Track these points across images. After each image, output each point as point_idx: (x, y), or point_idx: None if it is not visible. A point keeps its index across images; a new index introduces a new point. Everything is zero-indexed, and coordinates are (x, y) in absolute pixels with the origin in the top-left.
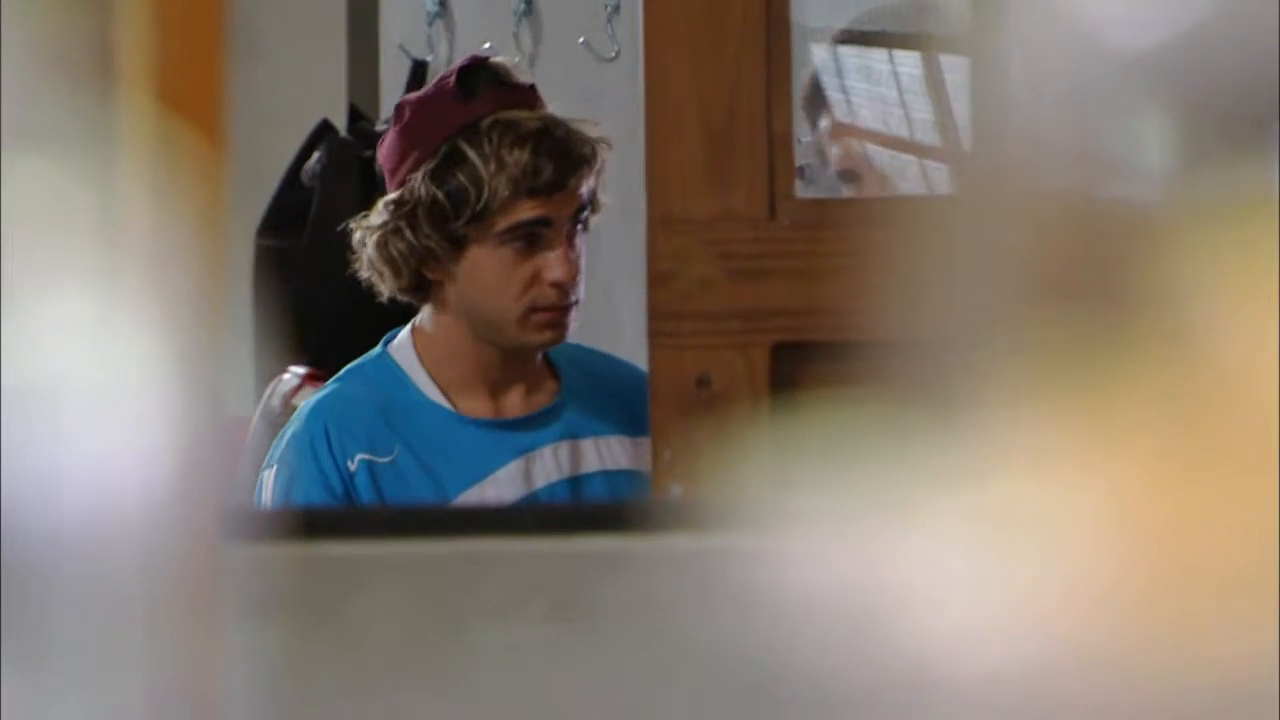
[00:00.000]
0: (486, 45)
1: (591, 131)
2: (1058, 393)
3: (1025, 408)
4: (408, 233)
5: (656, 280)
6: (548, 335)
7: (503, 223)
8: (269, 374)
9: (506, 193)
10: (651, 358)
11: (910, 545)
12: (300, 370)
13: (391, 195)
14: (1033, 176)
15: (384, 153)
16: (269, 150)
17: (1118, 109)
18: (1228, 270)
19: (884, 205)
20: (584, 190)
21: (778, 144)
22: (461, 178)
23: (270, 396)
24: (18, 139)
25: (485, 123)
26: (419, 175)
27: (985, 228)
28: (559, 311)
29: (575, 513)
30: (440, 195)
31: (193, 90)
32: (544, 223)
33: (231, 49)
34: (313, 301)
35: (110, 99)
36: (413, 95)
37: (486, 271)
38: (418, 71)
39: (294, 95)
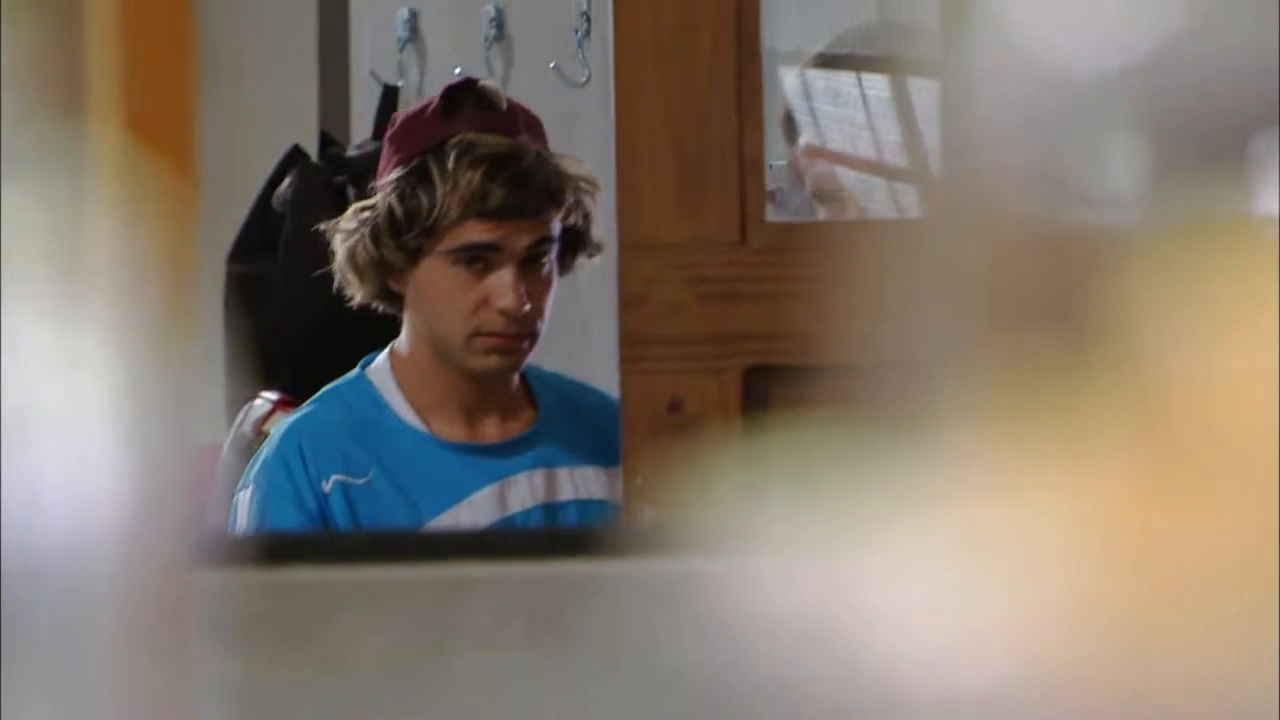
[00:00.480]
0: (457, 70)
1: (570, 168)
2: (1026, 414)
3: (993, 429)
4: (369, 242)
5: (627, 305)
6: (492, 361)
7: (449, 242)
8: (240, 400)
9: (456, 212)
10: (623, 382)
11: (880, 566)
12: (272, 396)
13: (362, 203)
14: (1001, 199)
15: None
16: (240, 176)
17: (1085, 132)
18: (1195, 290)
19: (854, 229)
20: (553, 224)
21: (748, 168)
22: (419, 193)
23: (241, 423)
24: None
25: (452, 141)
26: (385, 184)
27: (954, 250)
28: (505, 339)
29: (549, 537)
30: (398, 207)
31: (162, 117)
32: (493, 248)
33: (200, 75)
34: (284, 327)
35: (79, 125)
36: (407, 110)
37: (437, 288)
38: (389, 97)
39: (265, 121)
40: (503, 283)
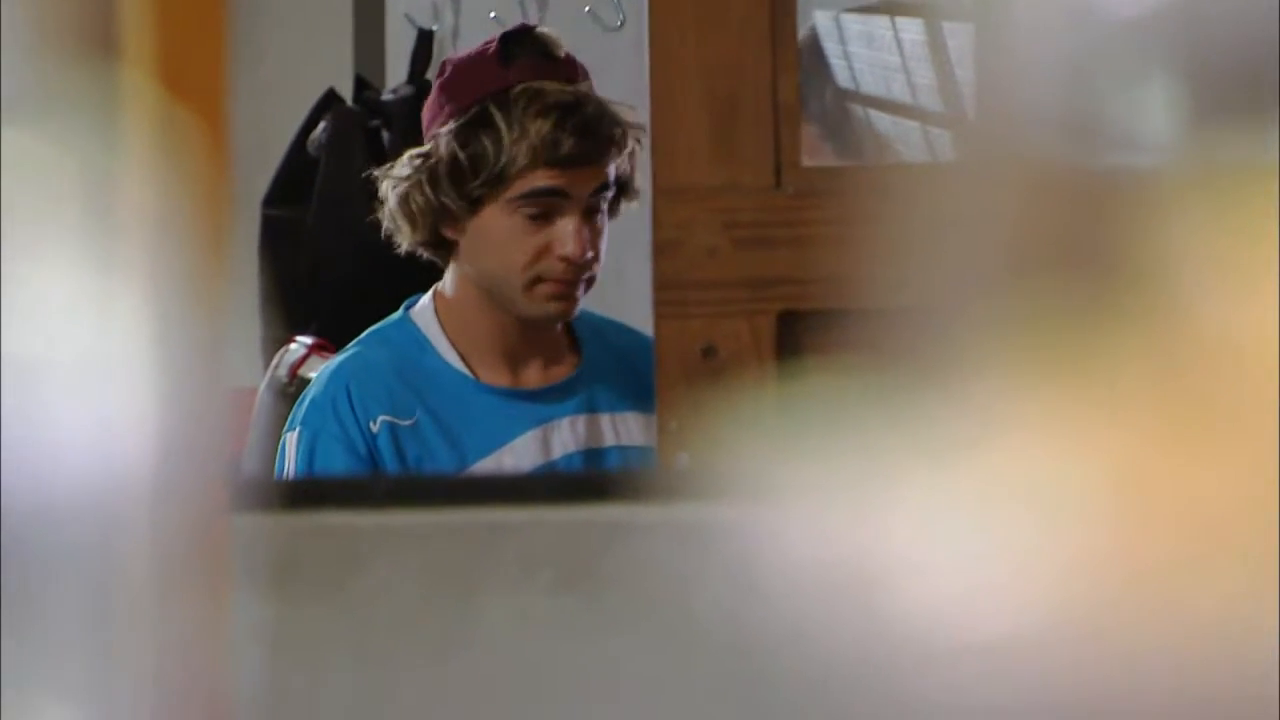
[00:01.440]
0: (492, 14)
1: (627, 115)
2: (1053, 361)
3: (1021, 376)
4: (427, 188)
5: (662, 250)
6: (552, 307)
7: (517, 189)
8: (275, 344)
9: (525, 160)
10: (657, 327)
11: (910, 514)
12: (307, 340)
13: (417, 150)
14: (1033, 143)
15: (425, 107)
16: (275, 120)
17: (1118, 76)
18: (1225, 237)
19: (889, 173)
20: (610, 170)
21: (783, 113)
22: (484, 140)
23: (276, 367)
24: (16, 111)
25: (516, 90)
26: (445, 132)
27: (985, 195)
28: (565, 285)
29: (582, 482)
30: (461, 154)
31: (195, 61)
32: (559, 194)
33: (234, 20)
34: (319, 271)
35: (111, 69)
36: (459, 54)
37: (498, 235)
38: (424, 41)
39: (300, 65)
40: (567, 230)
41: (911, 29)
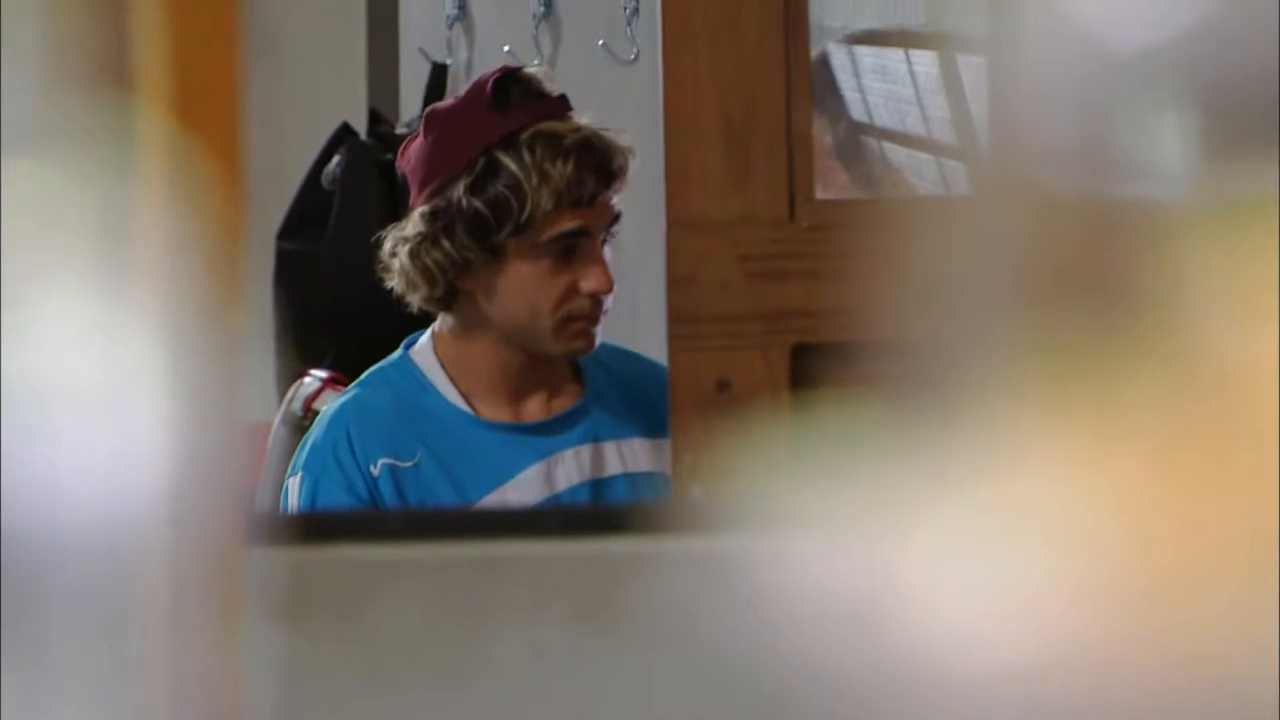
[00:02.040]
0: (505, 48)
1: (622, 141)
2: (1065, 392)
3: (1034, 407)
4: (445, 243)
5: (676, 282)
6: (579, 344)
7: (545, 234)
8: (290, 377)
9: (550, 205)
10: (671, 360)
11: (922, 545)
12: (321, 374)
13: (426, 207)
14: (1045, 175)
15: (412, 162)
16: (289, 154)
17: (1130, 108)
18: (1234, 268)
19: (903, 206)
20: (615, 200)
21: (797, 145)
22: (503, 189)
23: (291, 400)
24: (32, 140)
25: (525, 135)
26: (458, 187)
27: (999, 226)
28: (593, 320)
29: (597, 515)
30: (482, 207)
31: (209, 94)
32: (583, 233)
33: (248, 52)
34: (334, 305)
35: (127, 101)
36: (443, 105)
37: (525, 282)
38: (437, 75)
39: (314, 98)
40: (593, 266)
41: (925, 61)
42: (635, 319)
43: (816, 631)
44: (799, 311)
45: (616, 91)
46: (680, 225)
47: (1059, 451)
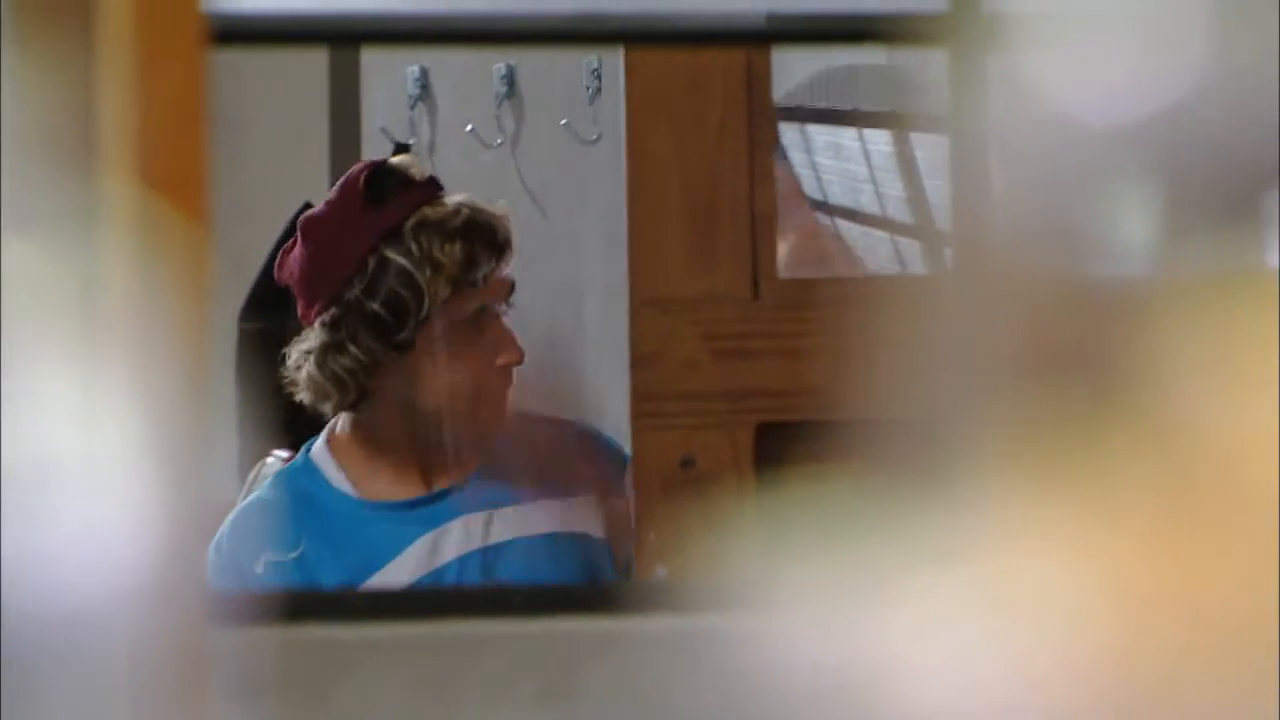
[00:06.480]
0: (468, 128)
1: (500, 211)
2: (1042, 468)
3: (1013, 484)
4: (351, 348)
5: (640, 361)
6: (493, 419)
7: (445, 320)
8: (253, 458)
9: (447, 291)
10: (636, 439)
11: (897, 622)
12: (284, 454)
13: (326, 315)
14: (1015, 253)
15: (295, 274)
16: (251, 234)
17: (1099, 186)
18: (1213, 344)
19: (866, 285)
20: (508, 271)
21: (760, 224)
22: (398, 288)
23: (254, 480)
24: (2, 220)
25: (409, 226)
26: (353, 291)
27: (968, 305)
28: (507, 391)
29: (561, 594)
30: (380, 310)
31: (175, 174)
32: (484, 312)
33: (213, 132)
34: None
35: (95, 183)
36: (317, 211)
37: (434, 369)
38: (400, 154)
39: (276, 179)
40: (501, 340)
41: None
42: (600, 399)
43: (784, 709)
44: (764, 390)
45: (579, 171)
46: (645, 305)
47: (1035, 527)
